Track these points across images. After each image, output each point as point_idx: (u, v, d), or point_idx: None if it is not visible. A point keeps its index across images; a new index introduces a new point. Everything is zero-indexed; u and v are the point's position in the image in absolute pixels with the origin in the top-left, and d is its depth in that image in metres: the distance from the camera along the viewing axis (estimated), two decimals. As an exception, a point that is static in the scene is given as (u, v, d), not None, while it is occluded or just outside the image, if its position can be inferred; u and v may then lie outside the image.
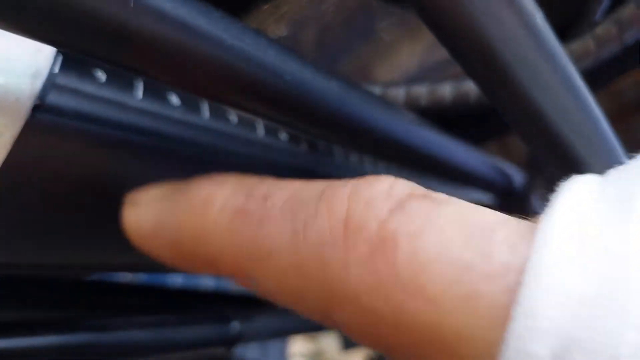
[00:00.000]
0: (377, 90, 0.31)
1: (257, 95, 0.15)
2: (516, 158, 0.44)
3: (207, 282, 0.45)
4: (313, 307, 0.12)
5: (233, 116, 0.21)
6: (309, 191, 0.13)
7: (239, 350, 0.35)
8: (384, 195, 0.11)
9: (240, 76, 0.15)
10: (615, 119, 0.23)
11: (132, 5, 0.11)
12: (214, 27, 0.14)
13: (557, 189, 0.12)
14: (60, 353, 0.25)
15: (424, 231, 0.10)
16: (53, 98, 0.15)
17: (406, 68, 0.41)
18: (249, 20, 0.41)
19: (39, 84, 0.14)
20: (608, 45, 0.25)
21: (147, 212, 0.15)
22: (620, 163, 0.24)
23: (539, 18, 0.15)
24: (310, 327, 0.36)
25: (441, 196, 0.12)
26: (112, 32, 0.11)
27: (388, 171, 0.32)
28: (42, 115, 0.14)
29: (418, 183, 0.34)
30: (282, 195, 0.13)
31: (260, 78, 0.15)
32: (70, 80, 0.16)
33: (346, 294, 0.11)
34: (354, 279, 0.11)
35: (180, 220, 0.14)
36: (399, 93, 0.28)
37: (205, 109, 0.20)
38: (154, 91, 0.18)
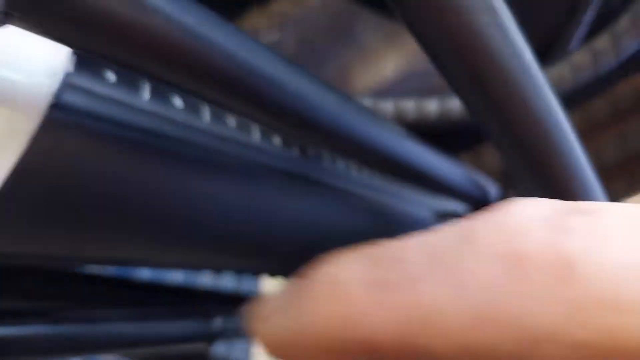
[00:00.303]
0: (367, 102, 0.32)
1: (262, 105, 0.16)
2: (488, 169, 0.46)
3: (189, 278, 0.45)
4: (507, 357, 0.10)
5: (231, 120, 0.22)
6: (444, 240, 0.12)
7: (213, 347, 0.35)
8: (533, 219, 0.11)
9: (247, 85, 0.16)
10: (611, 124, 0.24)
11: (160, 18, 0.12)
12: (224, 37, 0.15)
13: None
14: (43, 342, 0.25)
15: (603, 243, 0.10)
16: (68, 97, 0.15)
17: (388, 75, 0.42)
18: (240, 24, 0.41)
19: (55, 83, 0.15)
20: (583, 74, 0.26)
21: (278, 322, 0.13)
22: (589, 180, 0.25)
23: (523, 44, 0.16)
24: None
25: (586, 205, 0.11)
26: (137, 40, 0.12)
27: (372, 178, 0.33)
28: (57, 113, 0.15)
29: (398, 190, 0.35)
30: (417, 253, 0.12)
31: (266, 88, 0.16)
32: (83, 80, 0.16)
33: (541, 333, 0.10)
34: (545, 315, 0.10)
35: (315, 318, 0.12)
36: (387, 106, 0.29)
37: (206, 112, 0.21)
38: (159, 93, 0.19)
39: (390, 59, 0.42)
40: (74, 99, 0.16)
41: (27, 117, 0.14)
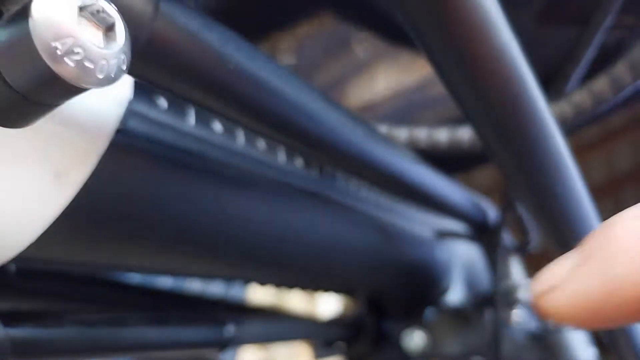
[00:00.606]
0: (384, 129, 0.34)
1: (304, 135, 0.18)
2: (479, 189, 0.48)
3: (198, 286, 0.47)
4: None
5: (261, 143, 0.24)
6: None
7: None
8: None
9: (284, 116, 0.18)
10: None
11: (232, 67, 0.13)
12: (266, 72, 0.16)
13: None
14: (67, 344, 0.26)
15: None
16: (130, 123, 0.17)
17: (382, 87, 0.43)
18: (262, 47, 0.43)
19: (122, 109, 0.17)
20: (583, 111, 0.28)
21: (580, 285, 0.13)
22: (584, 201, 0.28)
23: (534, 83, 0.19)
24: (294, 335, 0.39)
25: None
26: (211, 85, 0.14)
27: (380, 197, 0.35)
28: (122, 137, 0.17)
29: (403, 209, 0.36)
30: None
31: (311, 126, 0.17)
32: (142, 107, 0.18)
33: None
34: None
35: (633, 269, 0.12)
36: (402, 132, 0.31)
37: (241, 136, 0.23)
38: (202, 118, 0.21)
39: (381, 72, 0.44)
40: (135, 124, 0.17)
41: (97, 140, 0.16)
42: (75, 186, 0.16)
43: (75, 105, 0.15)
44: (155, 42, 0.11)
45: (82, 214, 0.17)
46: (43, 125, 0.15)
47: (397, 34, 0.39)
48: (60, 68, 0.08)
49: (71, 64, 0.08)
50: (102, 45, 0.09)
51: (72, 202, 0.16)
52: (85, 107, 0.15)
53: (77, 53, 0.08)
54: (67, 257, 0.18)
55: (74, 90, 0.09)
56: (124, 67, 0.10)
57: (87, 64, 0.09)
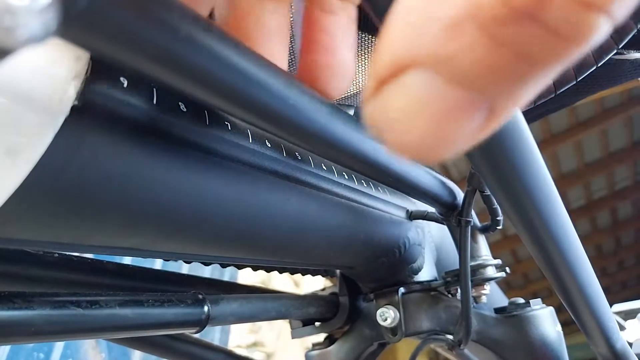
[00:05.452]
0: (350, 110, 0.33)
1: (268, 114, 0.17)
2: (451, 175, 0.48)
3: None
4: None
5: (229, 122, 0.23)
6: None
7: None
8: None
9: (254, 97, 0.17)
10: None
11: (183, 36, 0.12)
12: (240, 58, 0.15)
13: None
14: (46, 325, 0.25)
15: None
16: (88, 99, 0.16)
17: (358, 80, 0.43)
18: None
19: (78, 87, 0.16)
20: (543, 92, 0.28)
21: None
22: (550, 192, 0.27)
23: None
24: (272, 313, 0.38)
25: None
26: (162, 55, 0.13)
27: (353, 180, 0.35)
28: (78, 114, 0.16)
29: (376, 192, 0.36)
30: None
31: (270, 101, 0.16)
32: (101, 85, 0.17)
33: None
34: None
35: None
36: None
37: (207, 115, 0.22)
38: (167, 98, 0.20)
39: (360, 68, 0.43)
40: (93, 101, 0.16)
41: (52, 116, 0.15)
42: (29, 163, 0.15)
43: (25, 80, 0.14)
44: (96, 5, 0.10)
45: (39, 192, 0.16)
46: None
47: (371, 24, 0.38)
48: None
49: (-16, 19, 0.07)
50: (23, 0, 0.08)
51: (27, 179, 0.15)
52: (37, 82, 0.14)
53: (-9, 8, 0.08)
54: (26, 236, 0.17)
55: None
56: (53, 29, 0.09)
57: (4, 21, 0.08)
